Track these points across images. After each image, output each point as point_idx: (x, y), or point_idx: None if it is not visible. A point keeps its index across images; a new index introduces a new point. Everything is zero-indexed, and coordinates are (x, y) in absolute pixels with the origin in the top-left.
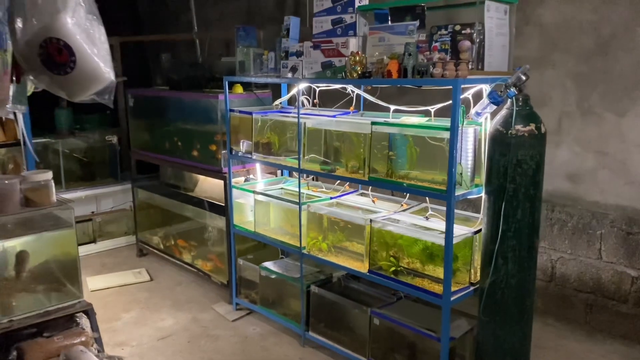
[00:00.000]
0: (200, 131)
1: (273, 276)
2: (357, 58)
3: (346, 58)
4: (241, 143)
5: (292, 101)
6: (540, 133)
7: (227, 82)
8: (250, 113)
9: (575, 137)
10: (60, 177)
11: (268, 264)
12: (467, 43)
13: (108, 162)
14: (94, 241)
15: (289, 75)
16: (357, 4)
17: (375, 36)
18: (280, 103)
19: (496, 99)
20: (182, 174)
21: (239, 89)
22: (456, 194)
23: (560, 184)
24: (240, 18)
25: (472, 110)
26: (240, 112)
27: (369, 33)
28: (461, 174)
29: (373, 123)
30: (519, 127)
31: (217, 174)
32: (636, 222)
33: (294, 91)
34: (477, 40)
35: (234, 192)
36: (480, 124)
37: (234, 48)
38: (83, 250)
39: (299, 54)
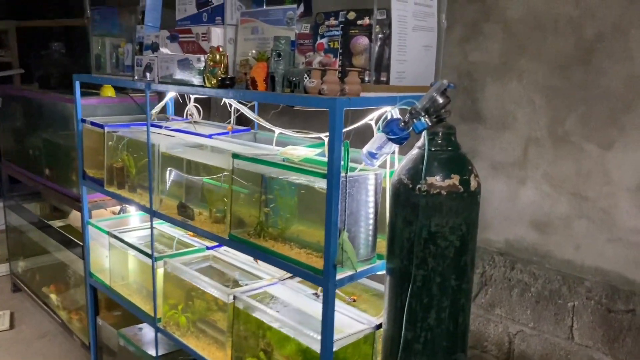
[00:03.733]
0: (56, 144)
1: (131, 348)
2: (217, 57)
3: (205, 56)
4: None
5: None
6: (469, 191)
7: (77, 83)
8: (102, 126)
9: (545, 172)
10: None
11: (129, 331)
12: (362, 41)
13: None
14: None
15: (146, 76)
16: None
17: (247, 26)
18: (156, 113)
19: (397, 134)
20: None
21: (108, 90)
22: (337, 277)
23: (524, 232)
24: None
25: (364, 150)
26: (92, 123)
27: (240, 21)
28: (342, 247)
29: (235, 156)
30: (433, 179)
31: (74, 202)
32: (620, 295)
33: (167, 99)
34: (380, 37)
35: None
36: (384, 169)
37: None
38: None
39: (154, 47)
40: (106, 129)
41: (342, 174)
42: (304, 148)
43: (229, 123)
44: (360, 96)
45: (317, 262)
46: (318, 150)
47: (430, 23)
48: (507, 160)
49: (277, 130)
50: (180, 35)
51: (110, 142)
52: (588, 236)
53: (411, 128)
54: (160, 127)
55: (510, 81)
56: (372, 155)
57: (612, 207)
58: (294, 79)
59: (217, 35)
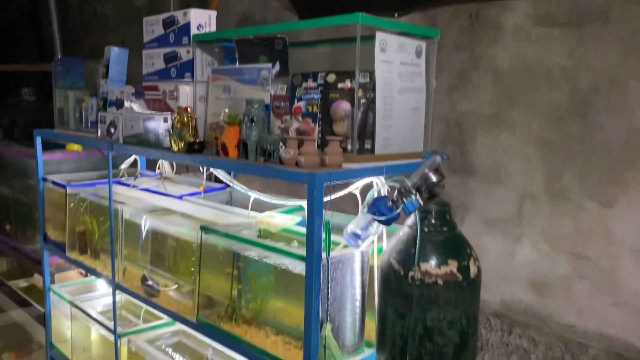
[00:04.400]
0: (18, 199)
1: None
2: (185, 119)
3: (172, 116)
4: None
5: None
6: (469, 279)
7: (38, 139)
8: (64, 186)
9: (542, 230)
10: None
11: None
12: (344, 106)
13: None
14: None
15: (110, 134)
16: (193, 32)
17: (218, 84)
18: (125, 168)
19: (385, 214)
20: None
21: (74, 145)
22: None
23: (521, 293)
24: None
25: (348, 229)
26: (53, 183)
27: (211, 78)
28: (325, 343)
29: (204, 229)
30: (428, 266)
31: (35, 264)
32: None
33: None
34: (363, 102)
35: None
36: (370, 249)
37: None
38: None
39: (119, 103)
40: (68, 190)
41: (324, 256)
42: (283, 215)
43: (201, 184)
44: (342, 167)
45: (297, 355)
46: (298, 219)
47: (418, 83)
48: (501, 215)
49: (253, 195)
50: (146, 92)
51: (72, 204)
52: (591, 299)
53: (401, 208)
54: (127, 185)
55: (502, 132)
56: (356, 237)
57: (615, 268)
58: (269, 147)
59: (185, 93)
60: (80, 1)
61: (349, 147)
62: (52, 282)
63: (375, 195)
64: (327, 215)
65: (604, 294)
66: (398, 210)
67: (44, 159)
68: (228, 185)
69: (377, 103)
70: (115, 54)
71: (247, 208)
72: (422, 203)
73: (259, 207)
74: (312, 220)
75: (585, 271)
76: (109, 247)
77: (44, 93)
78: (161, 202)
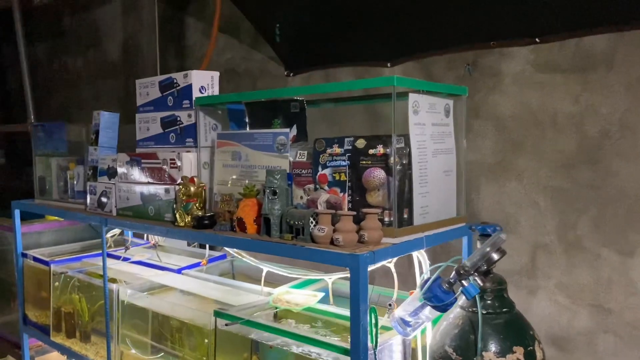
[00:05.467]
0: None
1: None
2: (192, 189)
3: (175, 187)
4: None
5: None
6: None
7: (17, 212)
8: (47, 263)
9: (558, 282)
10: None
11: None
12: (378, 174)
13: None
14: None
15: (101, 205)
16: (195, 94)
17: (226, 149)
18: (113, 238)
19: (442, 301)
20: None
21: None
22: None
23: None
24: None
25: (396, 313)
26: (34, 259)
27: (217, 144)
28: None
29: (218, 314)
30: (491, 355)
31: (12, 348)
32: None
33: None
34: (399, 168)
35: None
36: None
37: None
38: None
39: (111, 173)
40: (52, 267)
41: (370, 349)
42: (300, 291)
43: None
44: (382, 244)
45: None
46: (319, 295)
47: (449, 144)
48: (513, 268)
49: (266, 268)
50: (143, 160)
51: (57, 283)
52: (617, 354)
53: (460, 292)
54: (118, 258)
55: (508, 181)
56: (406, 324)
57: None
58: (296, 222)
59: (189, 161)
60: (49, 56)
61: (385, 219)
62: None
63: (426, 276)
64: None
65: (630, 346)
66: (457, 295)
67: (23, 231)
68: (227, 255)
69: (413, 169)
70: (106, 119)
71: (250, 278)
72: (481, 284)
73: (260, 277)
74: (357, 307)
75: (609, 323)
76: (100, 329)
77: (13, 156)
78: (159, 277)
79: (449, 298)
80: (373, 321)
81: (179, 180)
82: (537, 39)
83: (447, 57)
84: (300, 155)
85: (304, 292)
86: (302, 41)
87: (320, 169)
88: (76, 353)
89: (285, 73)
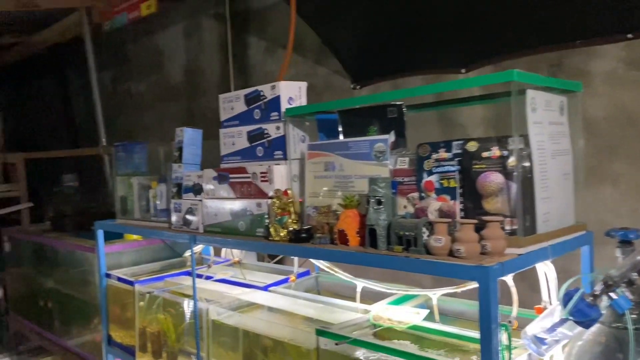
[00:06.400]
0: (75, 299)
1: None
2: (285, 202)
3: (268, 201)
4: None
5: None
6: None
7: (100, 232)
8: (131, 283)
9: None
10: None
11: None
12: (495, 178)
13: None
14: None
15: (187, 223)
16: (284, 106)
17: (318, 161)
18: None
19: (587, 316)
20: None
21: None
22: None
23: None
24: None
25: (528, 331)
26: (119, 279)
27: (307, 155)
28: None
29: (320, 332)
30: None
31: None
32: None
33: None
34: (519, 171)
35: None
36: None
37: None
38: None
39: (197, 189)
40: (137, 287)
41: None
42: (398, 308)
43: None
44: (505, 254)
45: None
46: (423, 312)
47: (565, 144)
48: None
49: (361, 284)
50: (231, 175)
51: (142, 303)
52: None
53: (609, 305)
54: (200, 276)
55: (604, 187)
56: (540, 341)
57: None
58: (407, 233)
59: (280, 174)
60: (114, 81)
61: (506, 227)
62: None
63: (571, 295)
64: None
65: None
66: (604, 309)
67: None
68: (311, 271)
69: (534, 171)
70: (189, 136)
71: (336, 295)
72: (632, 297)
73: (347, 293)
74: (488, 325)
75: None
76: (186, 349)
77: (85, 179)
78: (246, 295)
79: (594, 313)
80: (505, 341)
81: (271, 194)
82: (629, 35)
83: (528, 59)
84: (400, 162)
85: (404, 309)
86: (369, 52)
87: (425, 175)
88: None
89: (352, 86)
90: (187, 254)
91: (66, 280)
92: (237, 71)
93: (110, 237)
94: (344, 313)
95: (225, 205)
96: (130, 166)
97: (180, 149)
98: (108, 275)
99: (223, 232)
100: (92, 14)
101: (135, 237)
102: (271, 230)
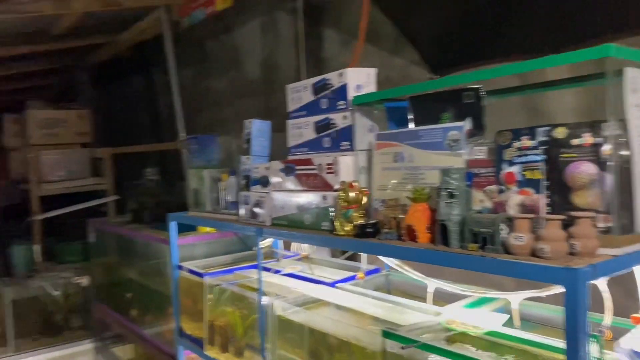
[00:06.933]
0: (151, 289)
1: None
2: (351, 194)
3: (333, 194)
4: None
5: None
6: None
7: (174, 224)
8: (201, 274)
9: None
10: (7, 335)
11: None
12: (586, 169)
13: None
14: None
15: (255, 216)
16: (351, 94)
17: (386, 151)
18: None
19: None
20: None
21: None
22: None
23: None
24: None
25: (621, 344)
26: (190, 271)
27: (375, 145)
28: None
29: (386, 334)
30: None
31: (166, 357)
32: None
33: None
34: (615, 161)
35: None
36: None
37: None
38: None
39: (264, 181)
40: (206, 279)
41: None
42: (473, 311)
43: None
44: (597, 255)
45: None
46: (503, 317)
47: None
48: None
49: (433, 284)
50: (297, 167)
51: (210, 295)
52: None
53: None
54: (268, 270)
55: None
56: (638, 356)
57: None
58: (483, 229)
59: (346, 165)
60: (193, 78)
61: (599, 224)
62: None
63: None
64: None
65: None
66: None
67: (178, 243)
68: (381, 268)
69: (633, 161)
70: (257, 127)
71: (408, 295)
72: None
73: (420, 293)
74: (575, 335)
75: None
76: (254, 344)
77: (166, 173)
78: (313, 291)
79: None
80: (595, 354)
81: (337, 186)
82: None
83: (627, 42)
84: (477, 151)
85: (481, 313)
86: (449, 39)
87: (505, 166)
88: None
89: (429, 76)
90: (264, 244)
91: (143, 271)
92: (311, 65)
93: (185, 229)
94: (414, 314)
95: (292, 197)
96: (202, 159)
97: (248, 141)
98: (180, 267)
99: (289, 226)
100: (172, 11)
101: (208, 229)
102: (336, 224)
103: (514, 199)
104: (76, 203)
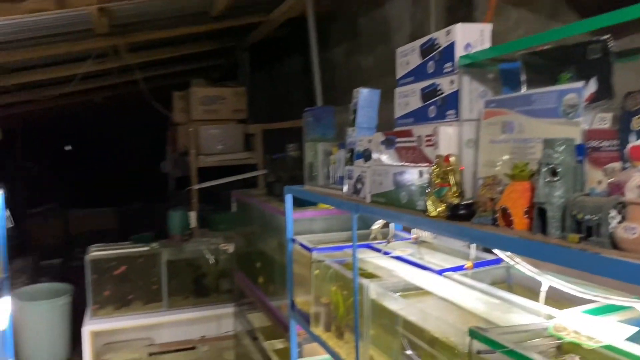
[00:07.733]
0: (275, 261)
1: None
2: (446, 169)
3: (429, 169)
4: None
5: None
6: None
7: (289, 196)
8: (310, 249)
9: None
10: (162, 293)
11: None
12: None
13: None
14: None
15: (357, 192)
16: (459, 54)
17: (494, 120)
18: (378, 229)
19: None
20: None
21: None
22: None
23: None
24: None
25: None
26: (301, 245)
27: (483, 114)
28: None
29: (473, 334)
30: None
31: (283, 330)
32: None
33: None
34: None
35: None
36: None
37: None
38: None
39: (367, 155)
40: (313, 254)
41: None
42: (593, 319)
43: (469, 255)
44: None
45: None
46: (631, 329)
47: None
48: None
49: (546, 282)
50: (397, 139)
51: (317, 270)
52: None
53: None
54: (378, 251)
55: None
56: None
57: None
58: (588, 217)
59: (447, 137)
60: (346, 56)
61: None
62: (300, 355)
63: None
64: None
65: None
66: None
67: (296, 217)
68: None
69: None
70: (364, 97)
71: (530, 292)
72: None
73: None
74: None
75: None
76: (353, 325)
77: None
78: (416, 278)
79: None
80: None
81: (435, 161)
82: None
83: None
84: (600, 120)
85: (600, 322)
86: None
87: (633, 138)
88: (331, 350)
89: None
90: (375, 226)
91: (269, 242)
92: None
93: (306, 204)
94: (522, 315)
95: (390, 172)
96: (318, 132)
97: (355, 112)
98: (293, 240)
99: (387, 203)
100: None
101: (326, 205)
102: (428, 203)
103: (635, 179)
104: (229, 175)
